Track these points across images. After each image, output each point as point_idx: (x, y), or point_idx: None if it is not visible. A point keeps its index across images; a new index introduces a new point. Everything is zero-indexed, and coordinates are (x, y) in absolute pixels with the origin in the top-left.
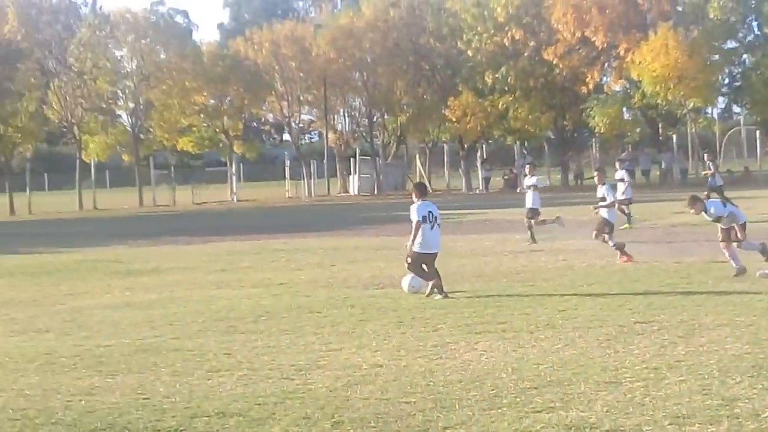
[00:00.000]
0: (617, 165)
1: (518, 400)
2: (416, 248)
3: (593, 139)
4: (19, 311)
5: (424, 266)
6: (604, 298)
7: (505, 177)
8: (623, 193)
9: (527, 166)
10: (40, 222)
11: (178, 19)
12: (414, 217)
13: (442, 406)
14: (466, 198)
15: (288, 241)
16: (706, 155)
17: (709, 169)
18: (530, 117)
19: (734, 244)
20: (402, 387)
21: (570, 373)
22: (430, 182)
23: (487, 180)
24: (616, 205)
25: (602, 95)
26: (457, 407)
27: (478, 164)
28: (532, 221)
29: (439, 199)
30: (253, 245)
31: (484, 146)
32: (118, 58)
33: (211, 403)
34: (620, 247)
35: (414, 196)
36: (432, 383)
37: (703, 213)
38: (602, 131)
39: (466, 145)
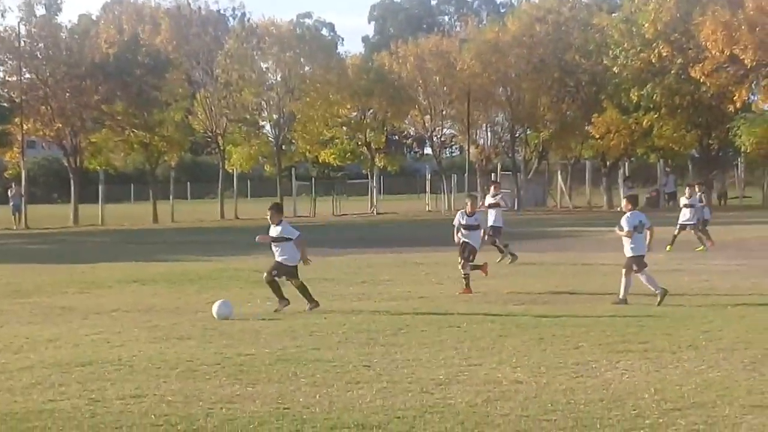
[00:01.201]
0: (687, 192)
1: (661, 421)
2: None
3: (739, 159)
4: (162, 318)
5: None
6: (749, 320)
7: (648, 196)
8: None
9: (493, 185)
10: (183, 230)
11: (324, 31)
12: (296, 233)
13: (583, 425)
14: (608, 215)
15: (428, 255)
16: (697, 186)
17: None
18: (675, 135)
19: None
20: (542, 404)
21: (714, 396)
22: (570, 198)
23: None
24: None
25: (750, 114)
26: (599, 426)
27: (620, 182)
28: (496, 240)
29: (581, 216)
30: (393, 258)
31: (626, 164)
32: (264, 69)
33: (351, 414)
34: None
35: (276, 219)
36: (573, 401)
37: (627, 214)
38: (748, 151)
39: (608, 162)
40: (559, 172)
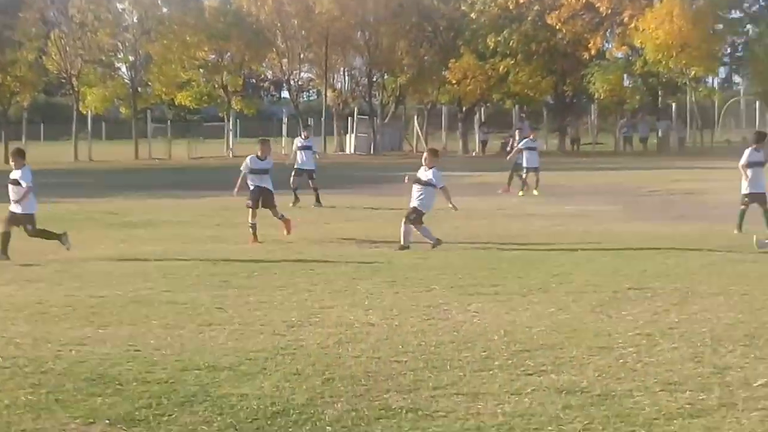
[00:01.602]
0: (516, 134)
1: (510, 362)
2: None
3: (592, 105)
4: (11, 260)
5: None
6: (599, 264)
7: (503, 141)
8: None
9: (304, 131)
10: (36, 172)
11: None
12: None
13: (433, 366)
14: (463, 160)
15: (284, 197)
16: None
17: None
18: (530, 81)
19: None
20: (393, 346)
21: (562, 337)
22: (426, 143)
23: (484, 143)
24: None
25: (604, 61)
26: (449, 368)
27: (476, 127)
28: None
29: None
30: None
31: (482, 109)
32: (120, 10)
33: (202, 356)
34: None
35: (19, 163)
36: (424, 343)
37: (431, 169)
38: (602, 97)
39: (464, 108)
40: (415, 117)
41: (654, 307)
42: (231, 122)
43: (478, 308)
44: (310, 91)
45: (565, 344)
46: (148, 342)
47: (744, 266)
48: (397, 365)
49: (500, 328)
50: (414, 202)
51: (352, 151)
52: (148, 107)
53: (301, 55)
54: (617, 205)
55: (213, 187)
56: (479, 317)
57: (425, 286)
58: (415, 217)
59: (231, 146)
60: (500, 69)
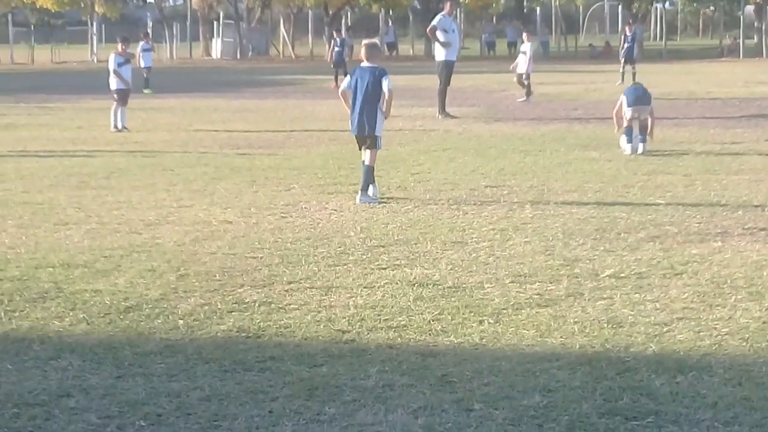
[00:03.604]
0: (524, 37)
1: (365, 257)
2: None
3: (458, 10)
4: None
5: None
6: (458, 163)
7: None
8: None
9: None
10: None
11: None
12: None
13: (289, 262)
14: (329, 65)
15: (147, 101)
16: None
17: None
18: None
19: None
20: (250, 243)
21: (418, 233)
22: (293, 48)
23: (351, 47)
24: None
25: None
26: (304, 263)
27: (343, 31)
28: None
29: (303, 65)
30: (111, 104)
31: (349, 13)
32: None
33: (57, 254)
34: None
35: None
36: (280, 240)
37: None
38: (467, 2)
39: (331, 12)
40: (281, 21)
41: (509, 204)
42: (95, 26)
43: (336, 206)
44: None
45: (420, 240)
46: (2, 241)
47: (599, 165)
48: (253, 261)
49: (357, 225)
50: None
51: (219, 56)
52: (9, 11)
53: None
54: (479, 107)
55: (76, 92)
56: (337, 215)
57: (285, 185)
58: None
59: (95, 51)
60: None
